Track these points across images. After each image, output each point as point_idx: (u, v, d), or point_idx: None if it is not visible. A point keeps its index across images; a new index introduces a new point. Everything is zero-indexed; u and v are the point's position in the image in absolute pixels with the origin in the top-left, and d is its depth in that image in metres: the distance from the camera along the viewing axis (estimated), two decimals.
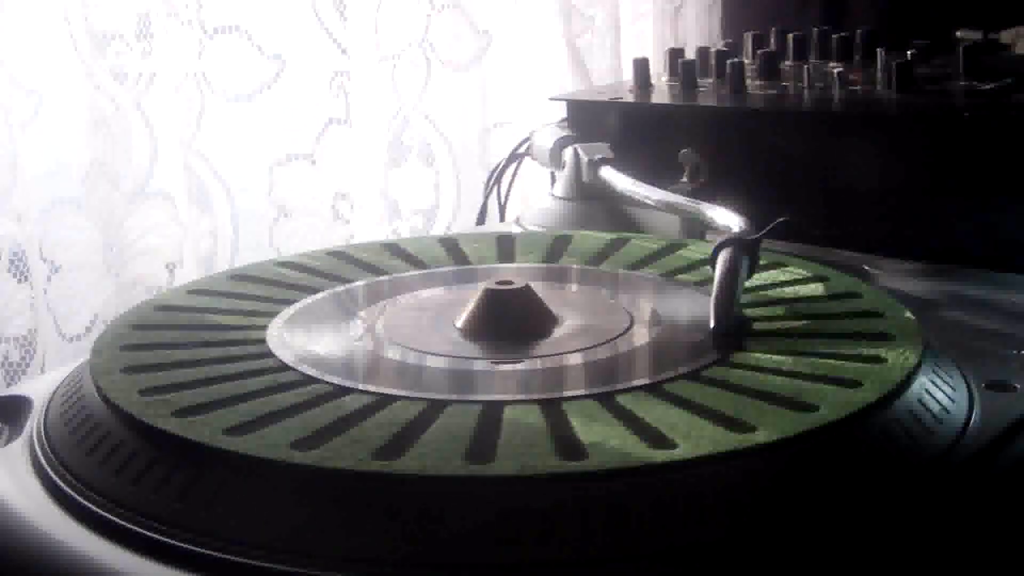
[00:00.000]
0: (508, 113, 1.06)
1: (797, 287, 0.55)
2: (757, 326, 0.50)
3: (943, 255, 0.64)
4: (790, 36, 0.88)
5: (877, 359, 0.45)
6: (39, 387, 0.50)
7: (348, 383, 0.45)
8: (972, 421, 0.44)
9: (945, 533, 0.39)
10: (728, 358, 0.46)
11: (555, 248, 0.63)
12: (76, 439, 0.43)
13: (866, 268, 0.64)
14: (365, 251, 0.63)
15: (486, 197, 0.90)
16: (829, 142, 0.71)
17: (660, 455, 0.38)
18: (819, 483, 0.39)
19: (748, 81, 0.79)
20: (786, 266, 0.57)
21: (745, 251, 0.53)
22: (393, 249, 0.63)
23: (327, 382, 0.45)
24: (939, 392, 0.44)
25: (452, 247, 0.63)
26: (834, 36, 0.87)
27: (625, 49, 1.15)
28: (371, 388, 0.44)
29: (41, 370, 0.74)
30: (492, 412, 0.42)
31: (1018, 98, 0.69)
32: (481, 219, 0.91)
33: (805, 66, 0.79)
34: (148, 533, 0.38)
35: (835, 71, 0.75)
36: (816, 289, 0.55)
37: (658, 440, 0.39)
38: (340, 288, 0.57)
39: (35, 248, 0.75)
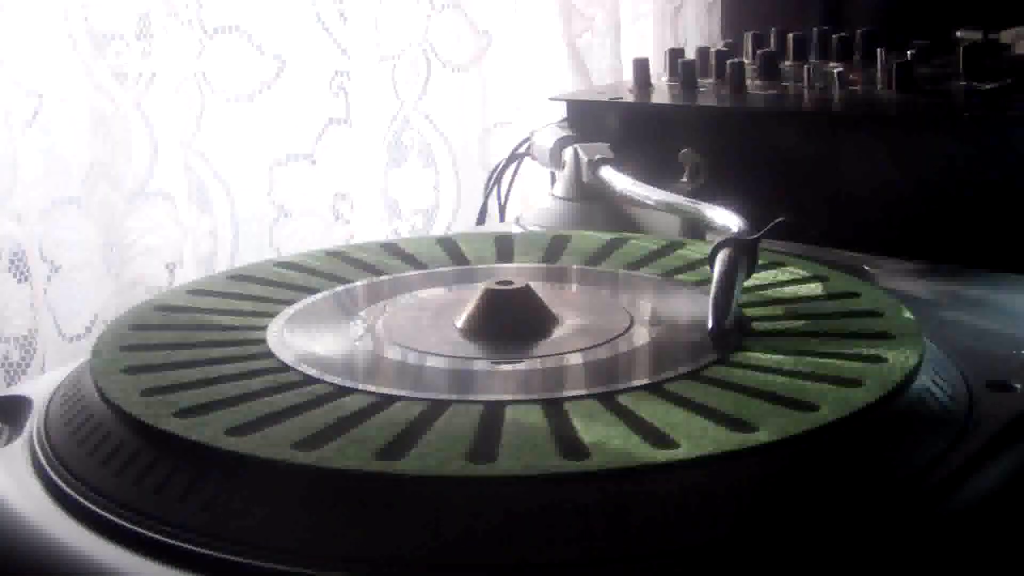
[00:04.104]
0: (508, 113, 1.06)
1: (796, 287, 0.55)
2: (756, 326, 0.50)
3: (943, 255, 0.64)
4: (790, 36, 0.88)
5: (877, 359, 0.45)
6: (39, 387, 0.50)
7: (349, 383, 0.44)
8: (972, 421, 0.44)
9: (945, 533, 0.39)
10: (728, 358, 0.46)
11: (554, 248, 0.63)
12: (76, 439, 0.43)
13: (866, 268, 0.64)
14: (363, 251, 0.63)
15: (486, 197, 0.90)
16: (829, 142, 0.71)
17: (662, 455, 0.38)
18: (820, 483, 0.39)
19: (748, 81, 0.79)
20: (785, 266, 0.57)
21: (744, 251, 0.53)
22: (391, 249, 0.63)
23: (328, 382, 0.45)
24: (939, 392, 0.44)
25: (451, 247, 0.63)
26: (834, 36, 0.87)
27: (625, 49, 1.15)
28: (372, 388, 0.44)
29: (41, 370, 0.74)
30: (494, 412, 0.42)
31: (1018, 98, 0.69)
32: (481, 219, 0.91)
33: (805, 66, 0.79)
34: (148, 533, 0.38)
35: (835, 71, 0.75)
36: (815, 289, 0.55)
37: (660, 440, 0.39)
38: (340, 288, 0.57)
39: (35, 248, 0.75)
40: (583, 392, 0.44)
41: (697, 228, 0.68)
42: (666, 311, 0.53)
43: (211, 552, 0.36)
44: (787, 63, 0.85)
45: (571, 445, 0.39)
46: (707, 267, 0.54)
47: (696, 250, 0.61)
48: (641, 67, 0.84)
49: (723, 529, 0.36)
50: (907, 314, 0.50)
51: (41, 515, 0.40)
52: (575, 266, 0.60)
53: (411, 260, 0.61)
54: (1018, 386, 0.46)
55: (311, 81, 0.90)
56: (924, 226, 0.66)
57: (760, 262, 0.55)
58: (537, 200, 0.81)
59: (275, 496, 0.38)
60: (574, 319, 0.52)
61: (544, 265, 0.61)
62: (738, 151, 0.73)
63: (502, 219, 0.89)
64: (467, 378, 0.47)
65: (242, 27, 0.87)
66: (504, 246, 0.63)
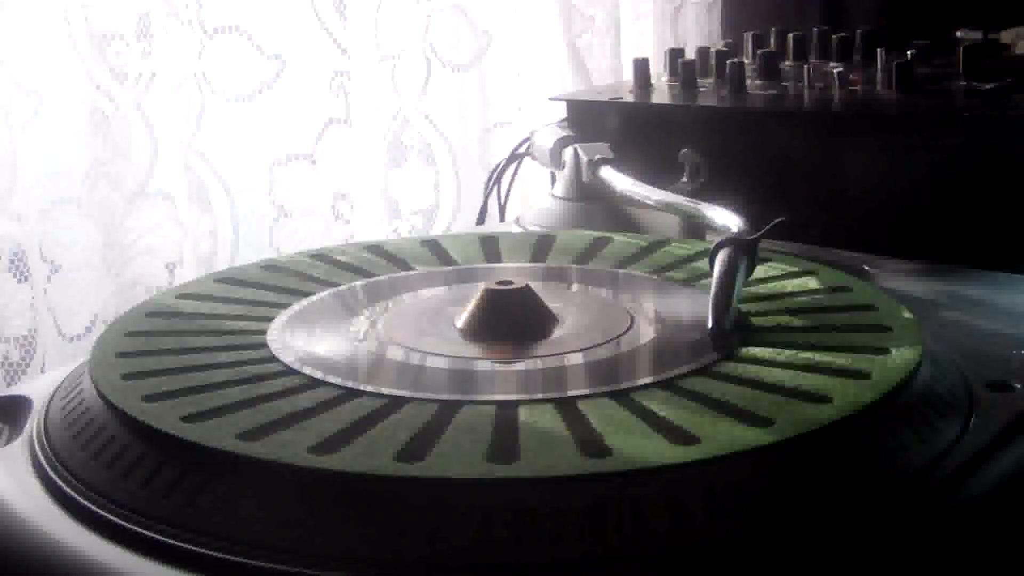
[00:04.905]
0: (508, 113, 1.06)
1: (786, 281, 0.55)
2: (753, 322, 0.50)
3: (943, 255, 0.64)
4: (790, 36, 0.88)
5: (882, 350, 0.45)
6: (39, 387, 0.50)
7: (356, 386, 0.44)
8: (972, 421, 0.44)
9: (946, 531, 0.39)
10: (735, 354, 0.46)
11: (539, 248, 0.63)
12: (76, 439, 0.43)
13: (866, 268, 0.64)
14: (347, 253, 0.63)
15: (486, 197, 0.90)
16: (829, 142, 0.71)
17: (686, 452, 0.38)
18: (836, 476, 0.39)
19: (748, 81, 0.79)
20: (770, 261, 0.57)
21: (743, 251, 0.53)
22: (375, 250, 0.63)
23: (335, 385, 0.44)
24: (939, 391, 0.44)
25: (434, 248, 0.63)
26: (834, 36, 0.87)
27: (625, 49, 1.15)
28: (380, 391, 0.44)
29: (41, 370, 0.74)
30: (507, 412, 0.41)
31: (1018, 98, 0.69)
32: (481, 219, 0.91)
33: (805, 66, 0.79)
34: (148, 533, 0.38)
35: (835, 71, 0.75)
36: (807, 284, 0.55)
37: (680, 437, 0.39)
38: (339, 289, 0.57)
39: (35, 248, 0.74)
40: (595, 390, 0.43)
41: (697, 228, 0.68)
42: (667, 309, 0.53)
43: (213, 553, 0.36)
44: (787, 63, 0.85)
45: (591, 444, 0.39)
46: (696, 263, 0.54)
47: (682, 248, 0.61)
48: (641, 67, 0.84)
49: (746, 524, 0.36)
50: (906, 314, 0.50)
51: (41, 515, 0.40)
52: (575, 266, 0.60)
53: (395, 261, 0.61)
54: (1018, 386, 0.46)
55: (311, 81, 0.90)
56: (924, 226, 0.66)
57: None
58: (537, 200, 0.81)
59: (293, 501, 0.37)
60: (575, 319, 0.52)
61: (543, 265, 0.61)
62: (738, 151, 0.73)
63: (502, 219, 0.89)
64: (475, 379, 0.47)
65: (242, 27, 0.86)
66: (490, 247, 0.63)
